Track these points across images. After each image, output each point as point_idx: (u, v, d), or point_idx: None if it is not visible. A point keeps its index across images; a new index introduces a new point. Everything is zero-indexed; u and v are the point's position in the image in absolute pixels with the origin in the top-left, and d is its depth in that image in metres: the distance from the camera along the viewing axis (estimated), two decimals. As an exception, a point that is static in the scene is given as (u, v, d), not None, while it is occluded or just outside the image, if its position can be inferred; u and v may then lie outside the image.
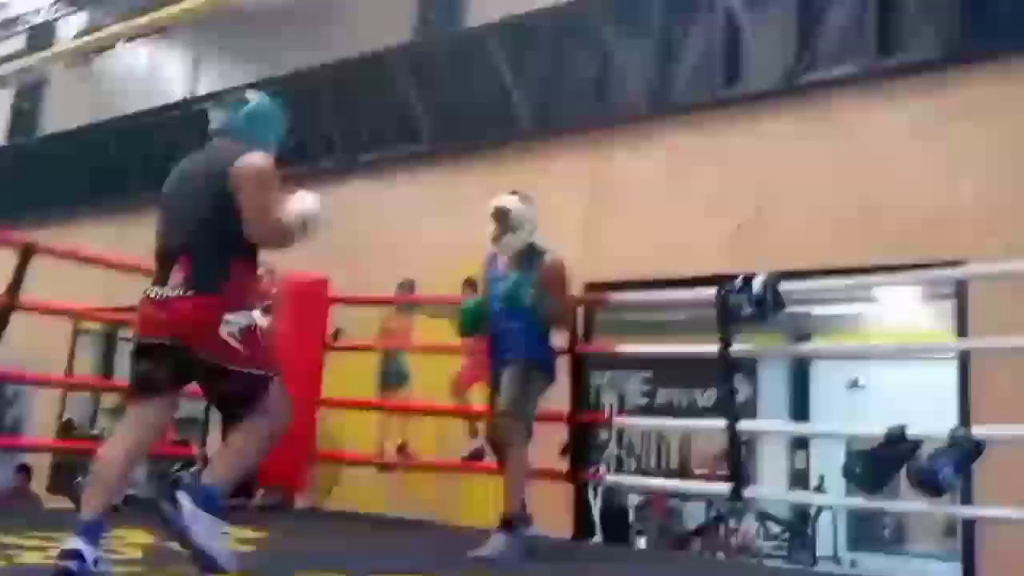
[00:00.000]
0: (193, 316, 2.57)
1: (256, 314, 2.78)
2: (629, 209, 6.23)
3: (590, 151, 6.55)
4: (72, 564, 2.36)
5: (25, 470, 7.96)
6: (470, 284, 6.26)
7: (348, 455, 5.82)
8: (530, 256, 3.75)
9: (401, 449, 6.05)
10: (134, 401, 2.69)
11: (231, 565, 2.47)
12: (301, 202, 2.74)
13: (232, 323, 2.59)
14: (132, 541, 3.25)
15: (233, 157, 2.69)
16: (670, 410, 7.15)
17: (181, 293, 2.58)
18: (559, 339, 4.15)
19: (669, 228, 5.96)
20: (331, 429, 5.89)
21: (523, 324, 3.67)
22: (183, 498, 2.44)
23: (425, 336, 6.30)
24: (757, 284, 3.91)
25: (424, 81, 7.50)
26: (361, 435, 6.05)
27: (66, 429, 8.81)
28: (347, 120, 7.88)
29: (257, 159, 2.71)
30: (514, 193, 3.83)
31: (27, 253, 4.14)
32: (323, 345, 5.17)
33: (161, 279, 2.64)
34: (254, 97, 2.97)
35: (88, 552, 2.38)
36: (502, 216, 3.73)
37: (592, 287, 5.87)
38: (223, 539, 2.51)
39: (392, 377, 6.34)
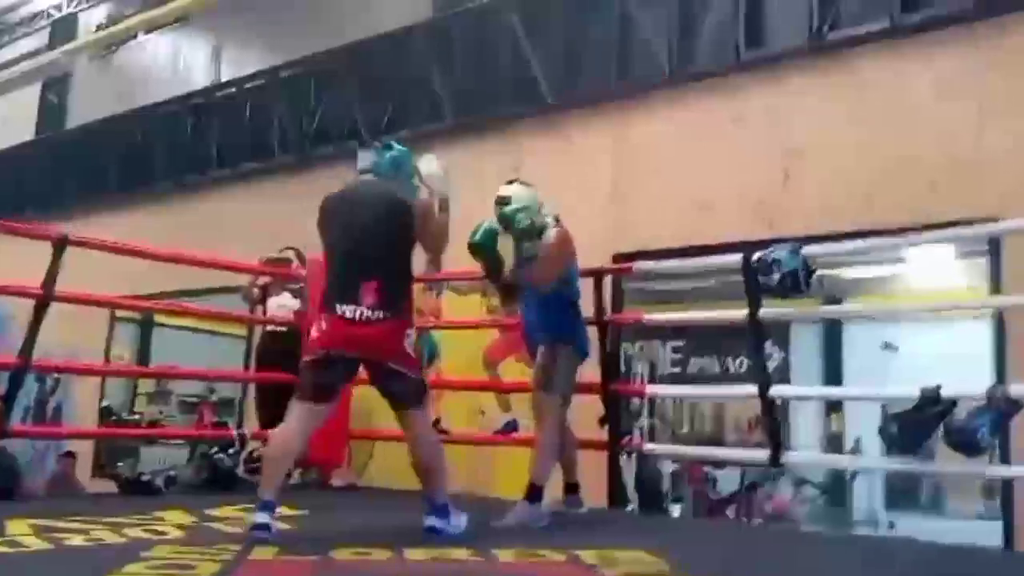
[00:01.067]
0: (387, 335, 3.10)
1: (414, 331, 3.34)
2: (654, 178, 6.18)
3: (613, 121, 6.49)
4: (264, 534, 2.89)
5: (70, 456, 8.14)
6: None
7: (382, 432, 5.87)
8: (533, 238, 3.88)
9: (434, 425, 6.09)
10: (309, 402, 3.13)
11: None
12: (428, 169, 3.49)
13: (410, 337, 3.20)
14: (173, 522, 3.33)
15: (405, 198, 3.30)
16: (702, 378, 7.12)
17: (377, 316, 3.07)
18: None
19: (695, 195, 5.91)
20: (365, 406, 5.95)
21: (542, 303, 3.85)
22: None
23: (454, 312, 6.34)
24: (786, 255, 3.88)
25: (444, 58, 7.47)
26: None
27: (104, 415, 9.00)
28: (369, 100, 7.88)
29: (423, 200, 3.35)
30: (511, 182, 3.98)
31: (61, 245, 4.20)
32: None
33: (350, 299, 3.08)
34: (396, 145, 3.51)
35: (272, 523, 2.95)
36: (501, 202, 3.89)
37: (620, 257, 5.85)
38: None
39: (423, 355, 6.39)
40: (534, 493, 3.61)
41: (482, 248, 3.90)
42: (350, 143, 7.60)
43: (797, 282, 3.87)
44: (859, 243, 4.67)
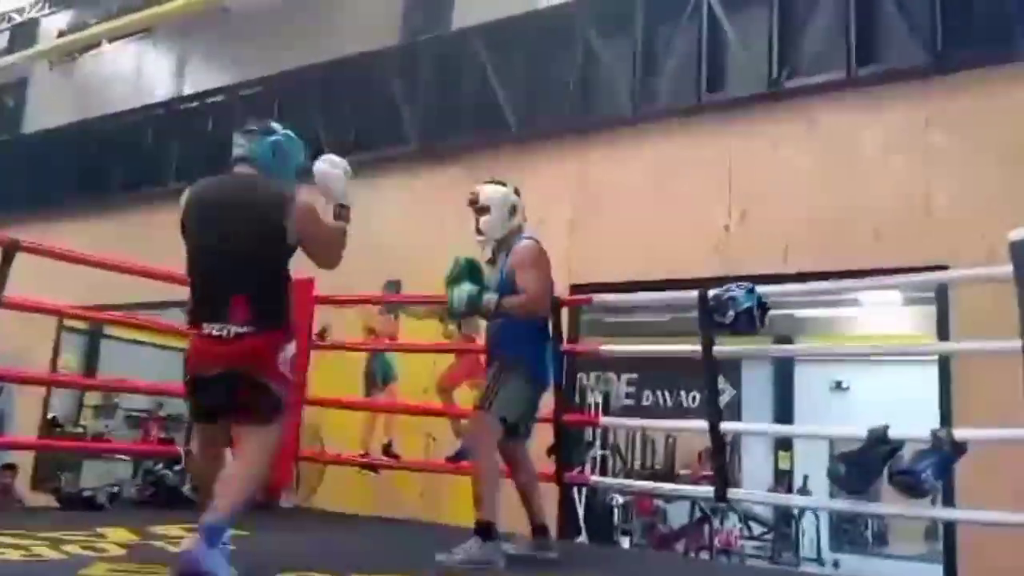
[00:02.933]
0: (260, 351, 2.76)
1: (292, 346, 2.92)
2: (613, 212, 6.26)
3: (575, 154, 6.58)
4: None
5: (10, 468, 7.90)
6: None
7: (332, 455, 5.82)
8: (506, 248, 3.59)
9: (386, 449, 6.06)
10: (201, 424, 2.94)
11: None
12: (324, 177, 3.05)
13: (287, 352, 2.84)
14: (115, 540, 3.25)
15: (277, 196, 2.85)
16: (655, 411, 7.19)
17: (248, 330, 2.74)
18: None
19: (653, 232, 6.00)
20: (316, 428, 5.89)
21: (504, 320, 3.50)
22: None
23: (410, 336, 6.32)
24: (741, 294, 3.93)
25: (410, 83, 7.51)
26: (347, 434, 6.06)
27: (50, 426, 8.76)
28: (334, 122, 7.87)
29: (304, 201, 2.88)
30: (490, 181, 3.79)
31: (10, 251, 4.12)
32: (309, 344, 5.17)
33: (215, 316, 2.76)
34: (279, 129, 3.05)
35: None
36: (472, 200, 3.68)
37: (577, 288, 5.90)
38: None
39: (378, 377, 6.36)
40: (484, 530, 3.23)
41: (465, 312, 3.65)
42: (312, 163, 7.57)
43: (752, 320, 3.93)
44: (811, 285, 4.77)
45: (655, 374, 7.14)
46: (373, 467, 5.81)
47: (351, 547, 3.64)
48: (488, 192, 3.68)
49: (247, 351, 2.74)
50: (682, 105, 6.18)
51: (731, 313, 3.95)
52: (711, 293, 4.00)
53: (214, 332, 2.74)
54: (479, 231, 3.65)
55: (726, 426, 4.31)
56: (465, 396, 5.93)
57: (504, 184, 3.75)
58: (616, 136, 6.45)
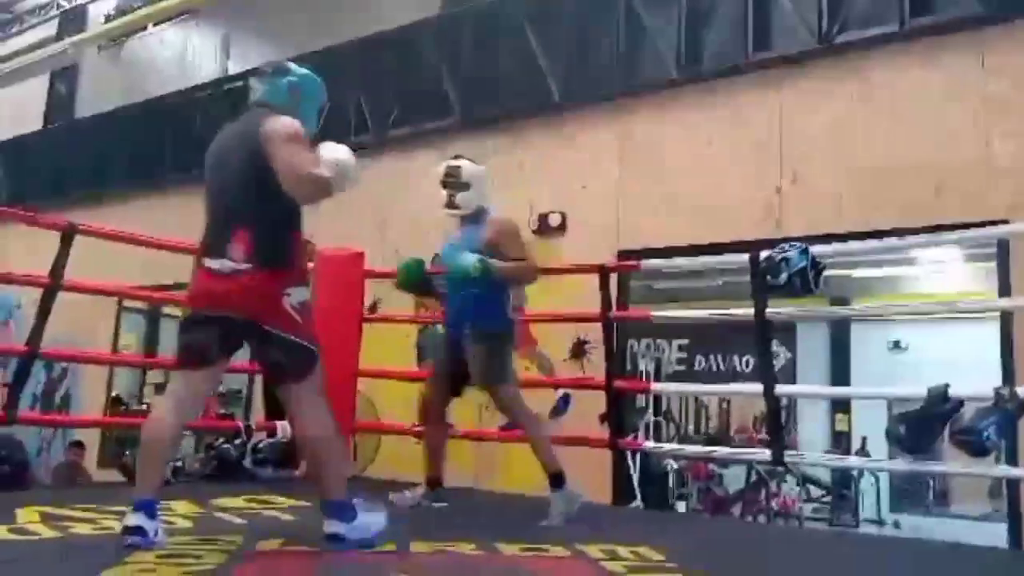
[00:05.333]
0: (260, 290, 2.63)
1: (304, 290, 2.82)
2: (660, 176, 6.19)
3: (619, 118, 6.50)
4: (137, 539, 2.51)
5: (78, 446, 8.19)
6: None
7: (387, 425, 5.90)
8: (477, 220, 3.77)
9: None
10: (182, 370, 2.71)
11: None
12: (333, 151, 2.70)
13: (293, 295, 2.69)
14: (180, 512, 3.34)
15: (259, 123, 2.71)
16: (708, 376, 7.14)
17: (247, 267, 2.61)
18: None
19: (702, 194, 5.92)
20: (370, 399, 5.97)
21: (481, 293, 3.64)
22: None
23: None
24: (794, 255, 3.86)
25: (452, 54, 7.48)
26: (400, 405, 6.13)
27: (114, 404, 9.04)
28: (377, 96, 7.89)
29: (283, 119, 2.72)
30: (459, 157, 3.88)
31: (69, 235, 4.21)
32: (360, 317, 5.22)
33: (216, 250, 2.65)
34: (295, 68, 2.95)
35: (149, 526, 2.54)
36: (452, 174, 3.77)
37: (625, 254, 5.86)
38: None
39: (428, 349, 6.41)
40: (557, 480, 3.55)
41: (411, 289, 4.01)
42: (353, 139, 7.60)
43: (806, 282, 3.86)
44: (867, 244, 4.67)
45: (707, 339, 7.07)
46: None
47: (408, 515, 3.69)
48: (469, 169, 3.80)
49: (245, 289, 2.62)
50: (729, 64, 6.05)
51: (784, 275, 3.89)
52: (763, 255, 3.94)
53: (213, 267, 2.64)
54: (454, 206, 3.78)
55: (781, 389, 4.26)
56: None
57: (474, 161, 3.89)
58: (661, 98, 6.35)
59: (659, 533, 3.36)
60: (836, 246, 4.47)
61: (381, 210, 7.00)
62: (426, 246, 6.47)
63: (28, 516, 3.02)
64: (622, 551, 2.81)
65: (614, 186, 6.34)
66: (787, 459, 4.19)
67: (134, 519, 2.53)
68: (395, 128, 7.70)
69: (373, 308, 5.72)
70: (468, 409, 6.12)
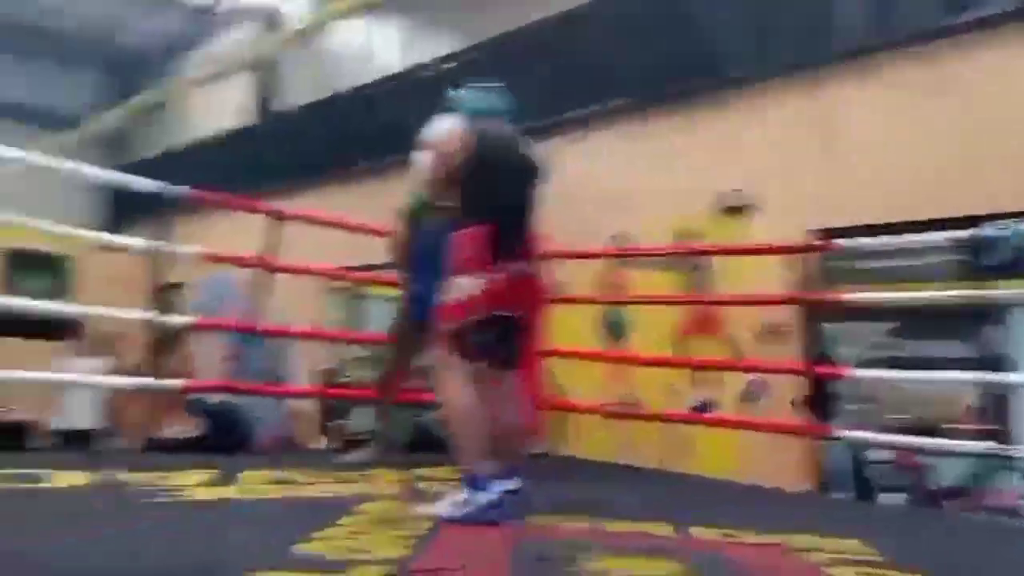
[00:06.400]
0: (542, 292, 3.06)
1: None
2: (857, 150, 5.83)
3: (806, 92, 6.17)
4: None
5: (294, 416, 8.84)
6: (687, 235, 6.19)
7: (576, 404, 5.95)
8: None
9: (627, 400, 6.11)
10: (474, 361, 2.88)
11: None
12: None
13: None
14: (388, 477, 3.53)
15: (534, 151, 3.15)
16: (915, 363, 6.67)
17: (535, 272, 2.98)
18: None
19: (901, 168, 5.52)
20: (558, 379, 6.05)
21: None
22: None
23: (642, 289, 6.31)
24: (1011, 232, 3.55)
25: (626, 32, 7.36)
26: (588, 385, 6.18)
27: (324, 377, 9.67)
28: (555, 76, 7.91)
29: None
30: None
31: (278, 221, 4.55)
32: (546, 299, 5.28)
33: (515, 255, 2.92)
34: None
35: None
36: None
37: (824, 234, 5.58)
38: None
39: (614, 329, 6.42)
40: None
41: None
42: (530, 123, 7.62)
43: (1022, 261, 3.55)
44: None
45: (914, 322, 6.61)
46: (618, 416, 5.90)
47: (598, 494, 3.72)
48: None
49: (539, 290, 3.02)
50: (926, 28, 5.60)
51: (1001, 254, 3.59)
52: (975, 233, 3.64)
53: (522, 270, 2.93)
54: None
55: (997, 377, 3.93)
56: (701, 347, 5.83)
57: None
58: (851, 69, 5.95)
59: (864, 525, 3.20)
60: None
61: (564, 192, 7.03)
62: (605, 226, 6.49)
63: (252, 479, 3.30)
64: (824, 543, 2.70)
65: (804, 162, 6.04)
66: (1008, 452, 3.86)
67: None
68: (571, 109, 7.70)
69: (557, 291, 5.77)
70: (656, 390, 6.09)
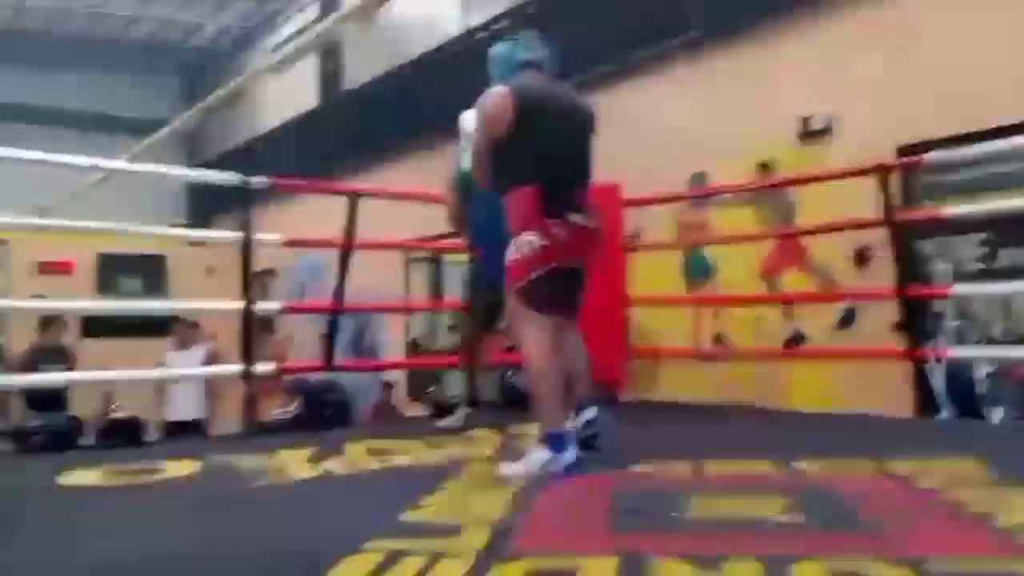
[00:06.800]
0: (599, 242, 3.06)
1: None
2: (931, 60, 5.54)
3: (880, 8, 5.89)
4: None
5: (388, 386, 9.08)
6: (764, 167, 6.03)
7: (663, 349, 5.92)
8: None
9: (716, 340, 6.04)
10: (548, 314, 2.90)
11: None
12: None
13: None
14: (483, 439, 3.59)
15: (586, 100, 3.16)
16: (1014, 272, 6.38)
17: (595, 223, 2.99)
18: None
19: (979, 77, 5.23)
20: (644, 326, 6.02)
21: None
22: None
23: (723, 226, 6.19)
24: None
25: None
26: (675, 329, 6.13)
27: (413, 347, 9.88)
28: (616, 21, 7.74)
29: None
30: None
31: (355, 199, 4.62)
32: (623, 246, 5.25)
33: (577, 206, 2.94)
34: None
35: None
36: None
37: (904, 150, 5.36)
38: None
39: (697, 270, 6.33)
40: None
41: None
42: (593, 70, 7.48)
43: None
44: None
45: (1012, 232, 6.32)
46: (708, 357, 5.85)
47: (696, 436, 3.71)
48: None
49: (598, 240, 3.03)
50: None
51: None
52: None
53: (586, 223, 2.95)
54: None
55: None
56: (793, 280, 5.71)
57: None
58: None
59: (974, 443, 3.11)
60: None
61: (636, 135, 6.92)
62: (678, 168, 6.36)
63: (355, 450, 3.40)
64: (935, 466, 2.63)
65: (883, 78, 5.77)
66: None
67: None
68: (635, 49, 7.53)
69: (634, 237, 5.72)
70: (747, 328, 6.00)
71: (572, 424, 2.95)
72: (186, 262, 10.94)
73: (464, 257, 4.35)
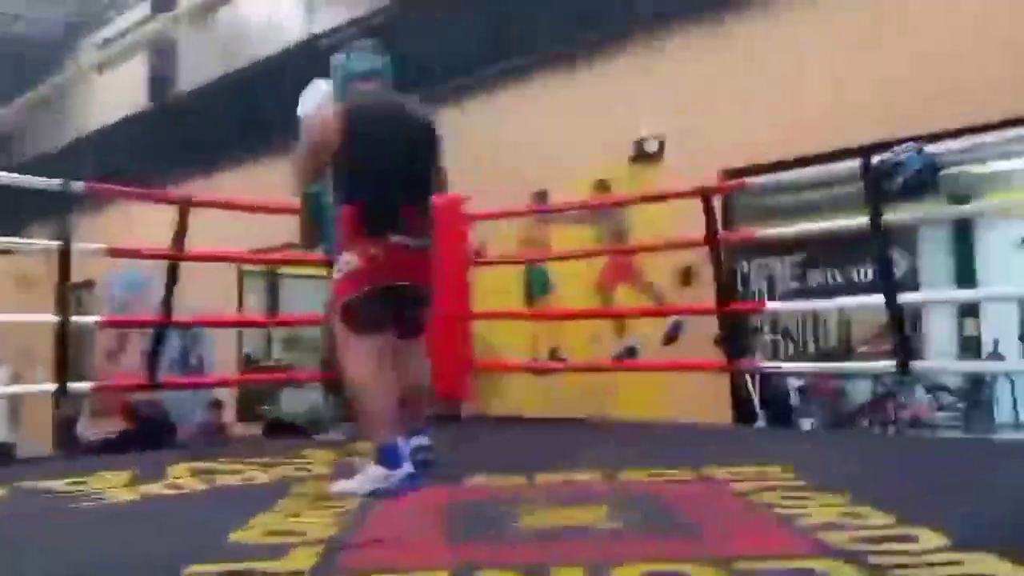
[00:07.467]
0: (432, 263, 3.00)
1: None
2: (759, 90, 5.97)
3: (709, 31, 6.28)
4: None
5: (217, 405, 8.69)
6: (602, 186, 6.25)
7: (503, 363, 6.01)
8: None
9: (553, 354, 6.19)
10: (369, 335, 2.86)
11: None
12: None
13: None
14: (318, 458, 3.52)
15: (426, 112, 3.11)
16: (825, 291, 6.93)
17: (427, 243, 2.95)
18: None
19: (807, 100, 5.69)
20: (485, 339, 6.09)
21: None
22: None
23: (562, 244, 6.37)
24: (909, 157, 3.68)
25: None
26: (514, 343, 6.24)
27: (246, 363, 9.53)
28: (464, 35, 7.84)
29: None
30: None
31: (185, 208, 4.42)
32: (467, 261, 5.30)
33: (405, 225, 2.88)
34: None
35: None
36: None
37: (729, 174, 5.71)
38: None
39: (537, 286, 6.47)
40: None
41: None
42: (443, 84, 7.55)
43: (922, 184, 3.69)
44: (987, 137, 4.40)
45: (823, 252, 6.85)
46: (543, 371, 5.97)
47: (532, 450, 3.78)
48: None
49: (432, 261, 2.99)
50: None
51: (900, 179, 3.72)
52: (875, 159, 3.77)
53: (416, 244, 2.91)
54: None
55: (903, 297, 4.11)
56: (625, 296, 5.94)
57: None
58: (757, 5, 6.09)
59: (785, 451, 3.34)
60: (953, 144, 4.24)
61: (478, 150, 7.03)
62: (522, 184, 6.51)
63: (179, 472, 3.25)
64: (749, 471, 2.81)
65: (713, 103, 6.15)
66: (913, 367, 4.06)
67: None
68: (477, 71, 7.65)
69: (477, 252, 5.79)
70: (582, 342, 6.19)
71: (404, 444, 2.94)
72: (-6, 271, 10.12)
73: (304, 271, 4.27)
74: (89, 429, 5.35)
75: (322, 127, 2.95)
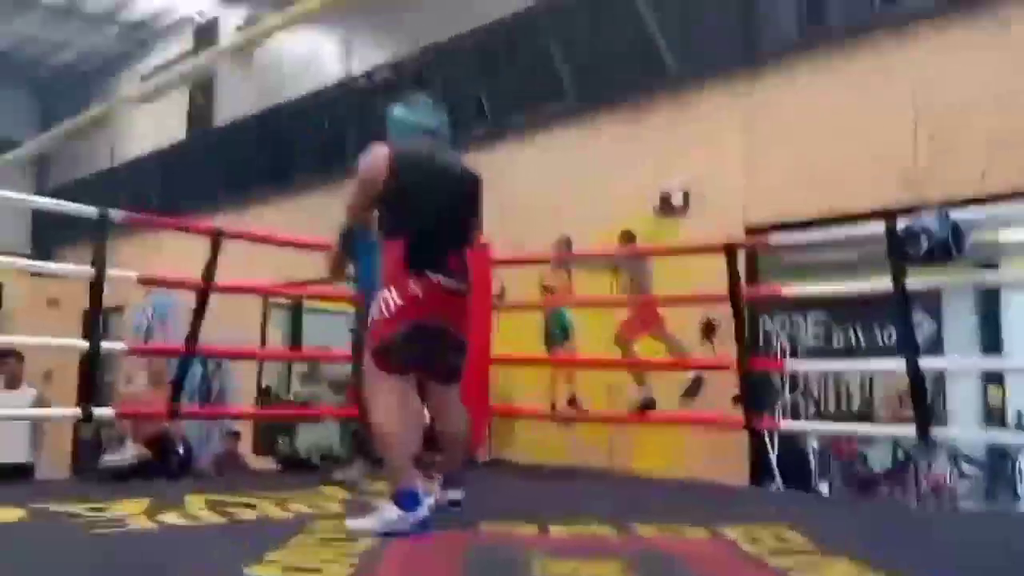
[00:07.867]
0: (469, 311, 3.06)
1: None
2: (788, 146, 6.02)
3: (740, 89, 6.35)
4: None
5: (234, 435, 8.73)
6: (627, 236, 6.29)
7: (521, 410, 6.01)
8: None
9: (571, 402, 6.18)
10: (399, 374, 2.91)
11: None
12: None
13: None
14: (333, 496, 3.53)
15: (473, 169, 3.20)
16: (848, 351, 6.88)
17: (465, 289, 3.01)
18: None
19: (834, 163, 5.72)
20: (503, 386, 6.10)
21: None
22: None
23: (585, 291, 6.39)
24: (934, 223, 3.70)
25: (567, 38, 7.48)
26: (532, 390, 6.23)
27: (263, 396, 9.56)
28: (494, 85, 7.98)
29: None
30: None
31: (217, 239, 4.49)
32: (489, 307, 5.34)
33: (446, 269, 2.95)
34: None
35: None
36: None
37: (754, 230, 5.73)
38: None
39: (556, 333, 6.47)
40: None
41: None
42: (472, 130, 7.68)
43: (947, 249, 3.70)
44: (1015, 205, 4.40)
45: (847, 312, 6.81)
46: (563, 419, 5.96)
47: (547, 497, 3.77)
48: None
49: (468, 305, 3.06)
50: (855, 24, 5.81)
51: (924, 245, 3.73)
52: (901, 224, 3.78)
53: (453, 287, 2.96)
54: None
55: (926, 363, 4.09)
56: (645, 347, 5.93)
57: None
58: (784, 64, 6.16)
59: (801, 515, 3.30)
60: (980, 211, 4.24)
61: (507, 197, 7.11)
62: (553, 232, 6.56)
63: (195, 503, 3.27)
64: (762, 533, 2.79)
65: (739, 159, 6.21)
66: (933, 435, 4.02)
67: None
68: (513, 114, 7.78)
69: (499, 297, 5.83)
70: (600, 391, 6.17)
71: (438, 497, 2.98)
72: (26, 294, 10.27)
73: (327, 306, 4.31)
74: (110, 454, 5.39)
75: (372, 164, 3.02)
